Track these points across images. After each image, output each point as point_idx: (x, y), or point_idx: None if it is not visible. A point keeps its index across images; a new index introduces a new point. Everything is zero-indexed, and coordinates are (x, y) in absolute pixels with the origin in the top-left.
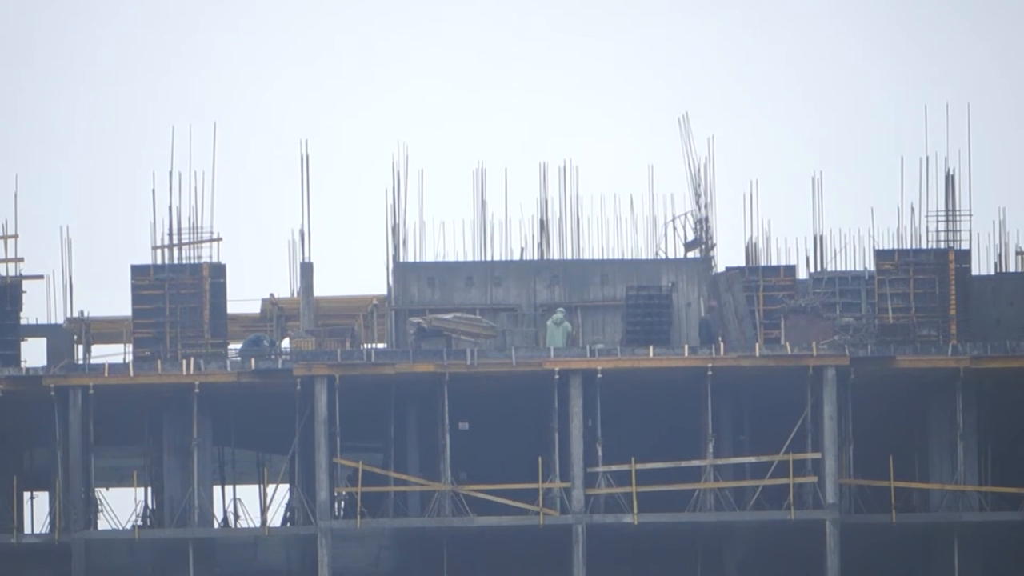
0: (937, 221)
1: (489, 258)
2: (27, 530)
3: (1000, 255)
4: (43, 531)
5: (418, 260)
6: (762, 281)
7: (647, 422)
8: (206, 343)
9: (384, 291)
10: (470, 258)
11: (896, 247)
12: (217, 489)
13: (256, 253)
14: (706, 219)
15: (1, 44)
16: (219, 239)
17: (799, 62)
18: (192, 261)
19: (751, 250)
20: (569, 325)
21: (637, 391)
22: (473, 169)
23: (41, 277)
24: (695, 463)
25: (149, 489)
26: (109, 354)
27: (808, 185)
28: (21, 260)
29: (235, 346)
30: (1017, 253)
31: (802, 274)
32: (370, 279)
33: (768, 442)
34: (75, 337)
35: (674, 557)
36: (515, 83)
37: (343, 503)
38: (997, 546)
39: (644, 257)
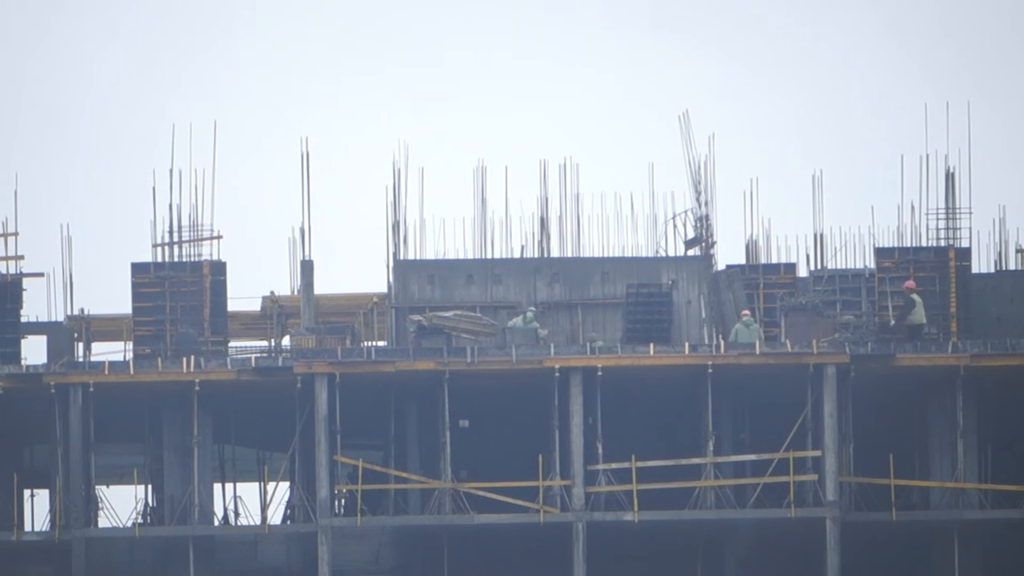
0: (937, 219)
1: (489, 256)
2: (27, 528)
3: (1000, 253)
4: (43, 529)
5: (418, 258)
6: (762, 279)
7: (647, 420)
8: (206, 341)
9: (384, 289)
10: (470, 256)
11: (896, 245)
12: (217, 487)
13: (256, 251)
14: (706, 217)
15: (2, 43)
16: (219, 237)
17: (799, 60)
18: (192, 259)
19: (751, 248)
20: (537, 324)
21: (637, 389)
22: (473, 167)
23: (41, 275)
24: (695, 461)
25: (149, 487)
26: (109, 352)
27: (808, 183)
28: (21, 258)
29: (235, 344)
30: (1017, 251)
31: (802, 272)
32: (370, 277)
33: (768, 440)
34: (75, 335)
35: (675, 555)
36: (516, 80)
37: (343, 501)
38: (997, 544)
39: (644, 255)
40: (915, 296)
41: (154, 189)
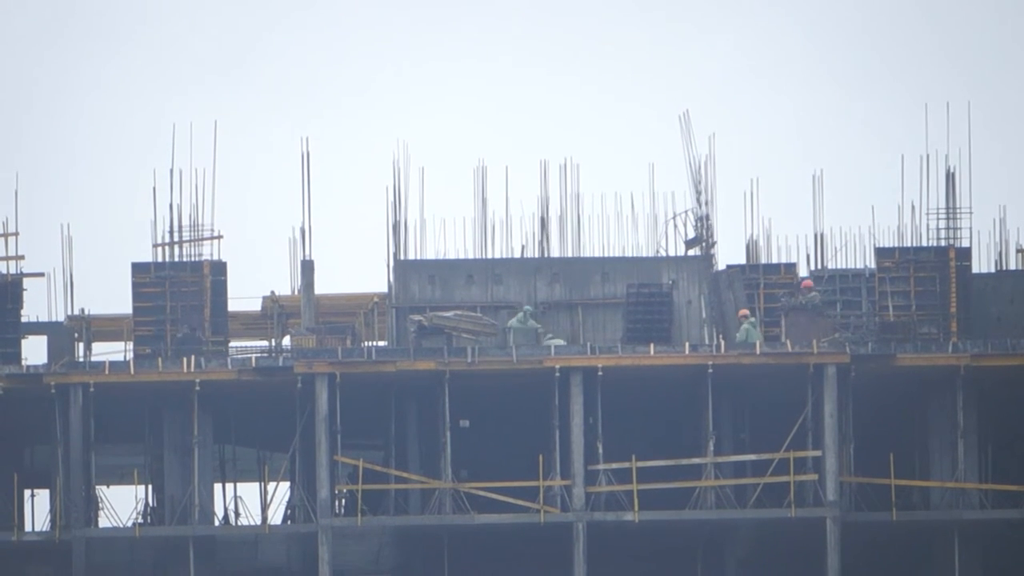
0: (937, 219)
1: (490, 256)
2: (28, 528)
3: (1000, 253)
4: (44, 529)
5: (419, 258)
6: (763, 279)
7: (648, 420)
8: (207, 341)
9: (385, 289)
10: (471, 256)
11: (897, 245)
12: (218, 487)
13: (257, 251)
14: (707, 217)
15: (2, 43)
16: (220, 237)
17: (799, 60)
18: (193, 259)
19: (752, 248)
20: (535, 322)
21: (638, 389)
22: (474, 167)
23: (42, 275)
24: (696, 461)
25: (150, 487)
26: (110, 352)
27: (808, 183)
28: (22, 258)
29: (236, 344)
30: (1017, 251)
31: (803, 272)
32: (371, 277)
33: (769, 440)
34: (76, 335)
35: (675, 555)
36: (516, 80)
37: (344, 501)
38: (997, 544)
39: (645, 255)
40: (810, 295)
41: (154, 189)
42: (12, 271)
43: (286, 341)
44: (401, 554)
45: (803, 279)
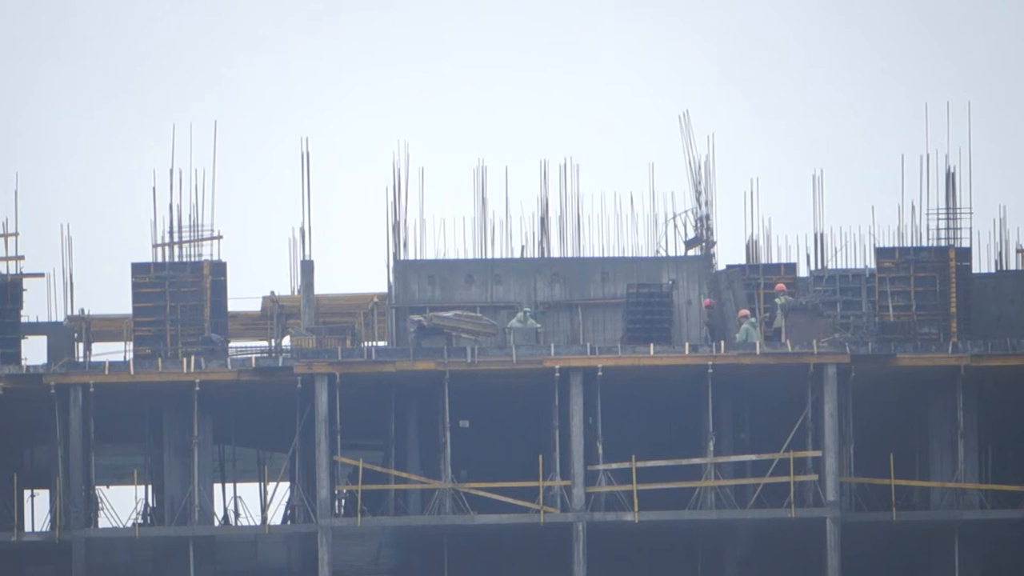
0: (938, 219)
1: (490, 256)
2: (28, 528)
3: (1000, 253)
4: (44, 529)
5: (419, 258)
6: (763, 279)
7: (648, 420)
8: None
9: (385, 289)
10: (471, 256)
11: (897, 245)
12: (217, 487)
13: (257, 251)
14: (707, 217)
15: (2, 43)
16: (220, 237)
17: (799, 60)
18: (193, 259)
19: (752, 248)
20: (534, 321)
21: (638, 389)
22: (474, 167)
23: (42, 275)
24: (696, 461)
25: (150, 487)
26: (110, 352)
27: (809, 183)
28: (22, 258)
29: (236, 344)
30: (1017, 251)
31: (803, 272)
32: (371, 277)
33: (769, 440)
34: (76, 335)
35: (675, 555)
36: (516, 81)
37: (343, 501)
38: (997, 544)
39: (645, 255)
40: (777, 300)
41: (154, 189)
42: (12, 271)
43: (286, 341)
44: (401, 554)
45: (777, 283)
